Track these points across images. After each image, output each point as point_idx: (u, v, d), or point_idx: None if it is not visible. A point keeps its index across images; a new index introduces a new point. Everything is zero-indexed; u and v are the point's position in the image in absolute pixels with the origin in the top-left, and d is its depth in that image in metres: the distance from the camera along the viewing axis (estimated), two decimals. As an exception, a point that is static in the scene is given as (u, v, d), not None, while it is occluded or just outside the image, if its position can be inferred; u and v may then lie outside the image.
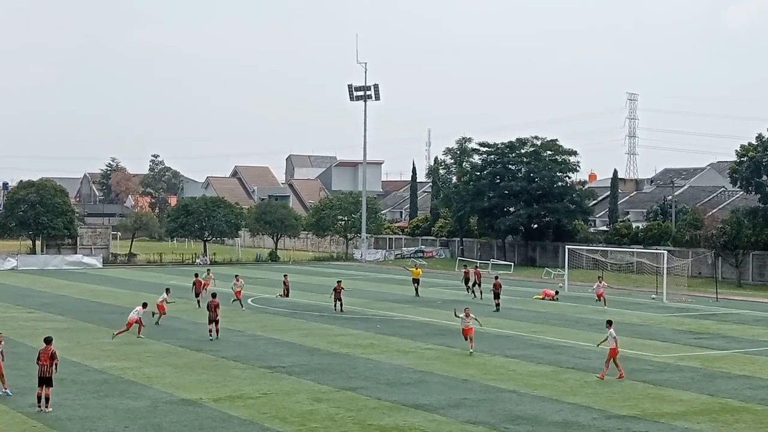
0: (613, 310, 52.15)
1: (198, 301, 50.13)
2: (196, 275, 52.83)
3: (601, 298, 53.61)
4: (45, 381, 25.19)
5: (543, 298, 58.00)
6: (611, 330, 30.84)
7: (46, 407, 24.90)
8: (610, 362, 30.59)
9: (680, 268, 63.33)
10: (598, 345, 33.12)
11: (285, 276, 57.25)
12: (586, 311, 51.52)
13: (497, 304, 50.85)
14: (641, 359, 34.83)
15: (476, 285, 58.29)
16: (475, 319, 36.02)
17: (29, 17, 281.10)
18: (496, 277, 54.47)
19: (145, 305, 40.09)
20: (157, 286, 61.81)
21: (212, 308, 39.02)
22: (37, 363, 25.48)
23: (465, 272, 62.11)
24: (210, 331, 39.06)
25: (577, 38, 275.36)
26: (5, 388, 26.77)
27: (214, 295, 40.44)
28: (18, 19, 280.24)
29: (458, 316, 36.44)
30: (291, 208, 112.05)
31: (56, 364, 25.46)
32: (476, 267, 62.91)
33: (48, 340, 25.85)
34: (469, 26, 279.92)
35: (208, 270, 53.92)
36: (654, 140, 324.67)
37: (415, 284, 59.58)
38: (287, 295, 54.87)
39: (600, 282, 54.75)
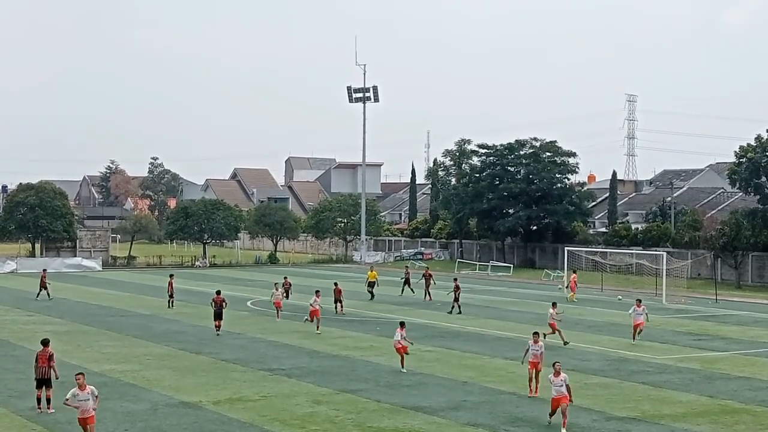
0: (616, 311, 52.13)
1: (169, 302, 50.91)
2: (171, 276, 53.38)
3: (638, 330, 39.78)
4: (44, 383, 25.22)
5: (574, 294, 58.52)
6: (540, 344, 28.17)
7: (48, 408, 24.93)
8: (539, 375, 27.91)
9: (679, 269, 63.31)
10: (522, 362, 29.15)
11: (285, 278, 57.46)
12: (586, 312, 51.51)
13: (457, 306, 50.01)
14: (641, 361, 34.84)
15: (427, 287, 57.10)
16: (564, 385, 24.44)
17: (28, 19, 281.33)
18: (455, 279, 53.28)
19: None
20: (157, 288, 61.82)
21: (218, 304, 40.78)
22: (36, 365, 25.48)
23: (407, 272, 61.76)
24: (217, 326, 40.57)
25: (576, 39, 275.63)
26: None
27: (218, 292, 42.01)
28: (17, 21, 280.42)
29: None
30: (290, 210, 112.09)
31: (54, 366, 25.43)
32: (427, 269, 60.67)
33: (45, 342, 25.81)
34: (468, 28, 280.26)
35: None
36: (653, 141, 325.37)
37: (370, 288, 57.12)
38: (287, 297, 55.03)
39: (639, 306, 40.32)
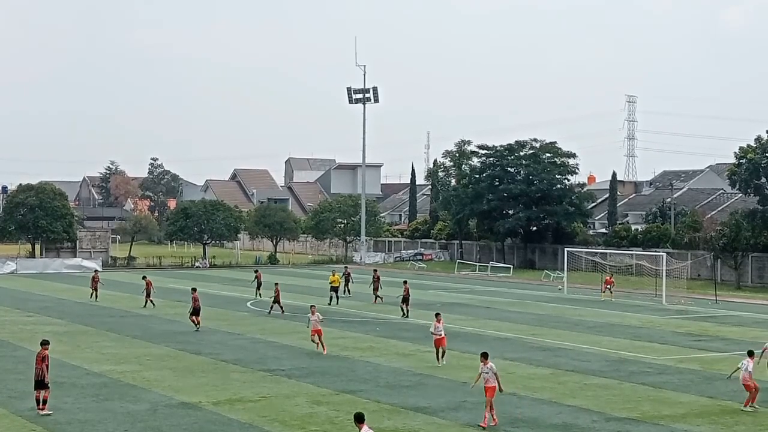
0: (616, 312, 52.15)
1: (147, 302, 51.58)
2: (144, 277, 54.30)
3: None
4: (40, 384, 25.01)
5: (609, 289, 59.73)
6: (490, 365, 24.70)
7: (43, 408, 24.80)
8: (491, 403, 24.34)
9: (679, 270, 63.33)
10: (472, 387, 26.14)
11: (257, 272, 59.49)
12: (585, 313, 51.52)
13: (406, 309, 48.06)
14: (641, 361, 34.85)
15: (376, 289, 55.49)
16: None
17: (28, 18, 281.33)
18: (405, 282, 50.35)
19: None
20: (157, 288, 61.75)
21: (193, 301, 42.32)
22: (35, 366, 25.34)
23: (346, 271, 60.76)
24: (195, 322, 42.06)
25: (576, 40, 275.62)
26: None
27: (194, 289, 43.47)
28: (17, 20, 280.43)
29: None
30: (290, 211, 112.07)
31: (47, 366, 25.13)
32: (375, 270, 58.75)
33: (41, 343, 25.63)
34: (468, 28, 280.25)
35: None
36: (653, 142, 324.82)
37: (333, 292, 54.46)
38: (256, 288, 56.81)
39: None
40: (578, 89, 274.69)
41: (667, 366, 33.93)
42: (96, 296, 55.36)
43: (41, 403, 25.09)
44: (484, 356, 25.08)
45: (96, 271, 60.50)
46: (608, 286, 61.06)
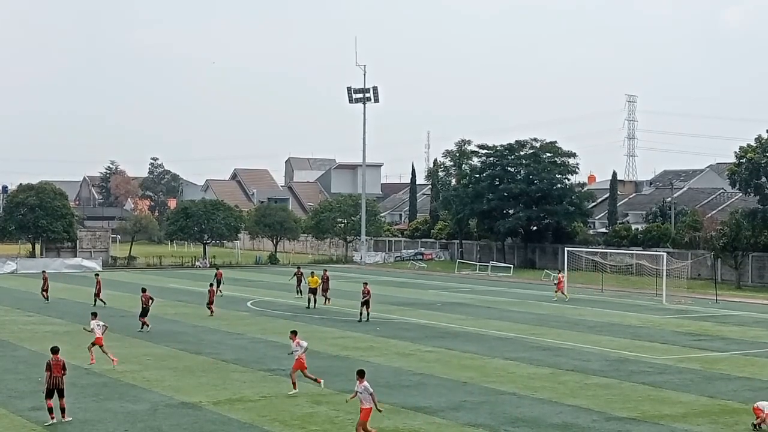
0: (616, 312, 52.18)
1: (96, 300, 51.66)
2: (97, 275, 54.78)
3: None
4: (58, 392, 24.26)
5: (558, 291, 59.28)
6: (364, 384, 22.18)
7: (63, 417, 24.10)
8: (366, 426, 22.13)
9: (679, 269, 63.32)
10: (347, 401, 24.03)
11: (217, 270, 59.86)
12: (586, 313, 51.52)
13: (366, 313, 45.52)
14: (641, 361, 34.84)
15: (325, 291, 52.78)
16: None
17: (28, 19, 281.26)
18: (365, 283, 47.10)
19: None
20: (157, 289, 61.73)
21: (144, 302, 42.00)
22: (47, 373, 24.25)
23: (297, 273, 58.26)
24: (143, 324, 41.55)
25: (576, 39, 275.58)
26: None
27: (144, 290, 43.07)
28: (17, 20, 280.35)
29: None
30: (290, 210, 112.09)
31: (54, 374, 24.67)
32: (325, 271, 56.78)
33: (55, 350, 24.88)
34: (468, 28, 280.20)
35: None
36: (653, 142, 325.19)
37: (311, 294, 51.89)
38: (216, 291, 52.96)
39: None
40: (578, 89, 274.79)
41: (668, 365, 33.93)
42: (46, 297, 54.33)
43: (57, 412, 24.14)
44: (360, 374, 22.39)
45: (44, 271, 60.03)
46: (556, 283, 60.41)
